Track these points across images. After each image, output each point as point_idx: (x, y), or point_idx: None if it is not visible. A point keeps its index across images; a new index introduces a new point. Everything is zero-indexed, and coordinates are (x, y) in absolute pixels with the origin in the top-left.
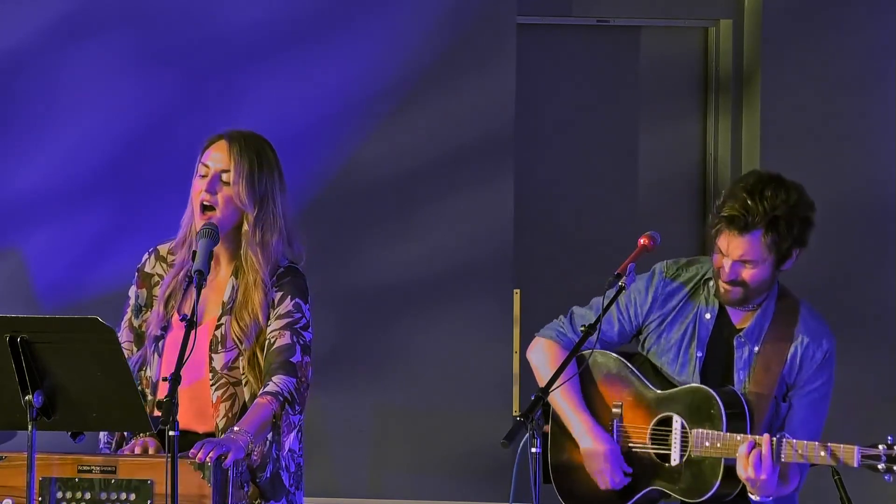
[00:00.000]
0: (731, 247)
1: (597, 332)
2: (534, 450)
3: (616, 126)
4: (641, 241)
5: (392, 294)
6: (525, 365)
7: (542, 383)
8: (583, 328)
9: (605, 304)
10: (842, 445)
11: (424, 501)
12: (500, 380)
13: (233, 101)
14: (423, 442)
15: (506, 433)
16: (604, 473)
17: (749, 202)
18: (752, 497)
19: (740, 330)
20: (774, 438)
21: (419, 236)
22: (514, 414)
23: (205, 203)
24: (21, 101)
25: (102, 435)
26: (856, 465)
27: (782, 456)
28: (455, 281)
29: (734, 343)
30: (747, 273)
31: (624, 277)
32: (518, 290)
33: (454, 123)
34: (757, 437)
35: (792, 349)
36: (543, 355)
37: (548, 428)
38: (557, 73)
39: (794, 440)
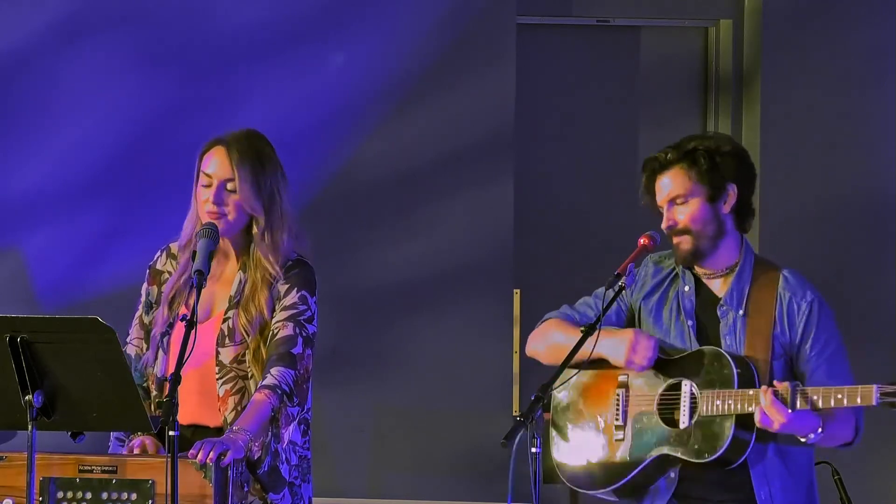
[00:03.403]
0: (659, 192)
1: (597, 332)
2: (534, 450)
3: (616, 126)
4: (641, 241)
5: (392, 294)
6: (525, 365)
7: (553, 352)
8: (582, 329)
9: (604, 305)
10: (859, 386)
11: (424, 501)
12: (500, 380)
13: (233, 100)
14: (423, 442)
15: (506, 433)
16: (635, 350)
17: (667, 148)
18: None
19: (721, 298)
20: (790, 385)
21: (419, 236)
22: (514, 414)
23: (212, 214)
24: (21, 101)
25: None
26: (874, 402)
27: (797, 403)
28: (455, 281)
29: (718, 313)
30: (682, 214)
31: (624, 277)
32: (518, 290)
33: (454, 123)
34: (775, 382)
35: (777, 308)
36: (549, 327)
37: (548, 416)
38: (557, 73)
39: (809, 388)
